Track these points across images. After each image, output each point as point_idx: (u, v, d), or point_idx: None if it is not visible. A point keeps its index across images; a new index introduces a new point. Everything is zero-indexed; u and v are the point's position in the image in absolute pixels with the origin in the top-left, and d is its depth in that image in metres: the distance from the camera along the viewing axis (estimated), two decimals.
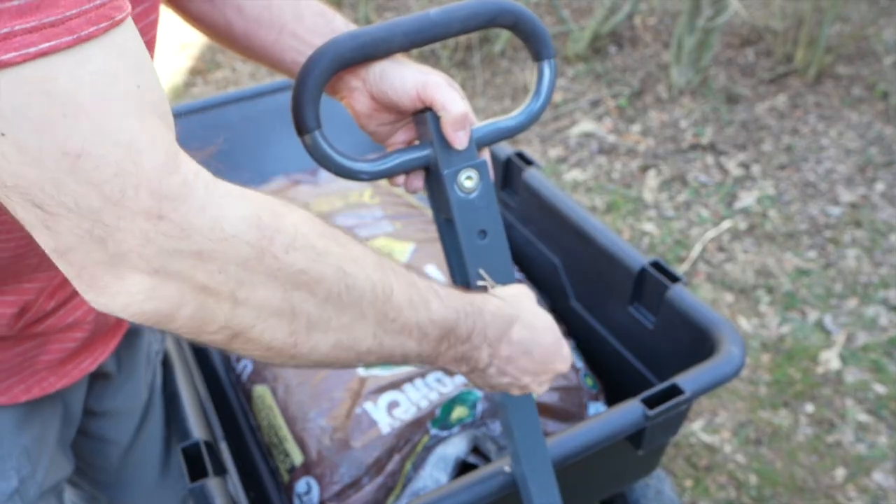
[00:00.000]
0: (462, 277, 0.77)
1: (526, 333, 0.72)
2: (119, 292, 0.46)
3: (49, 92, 0.41)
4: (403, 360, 0.63)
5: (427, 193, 0.77)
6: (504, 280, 0.76)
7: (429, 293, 0.62)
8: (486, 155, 0.77)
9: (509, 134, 0.77)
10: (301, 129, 0.69)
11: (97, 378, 0.99)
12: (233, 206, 0.47)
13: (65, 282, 0.80)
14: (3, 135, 0.41)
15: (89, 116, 0.42)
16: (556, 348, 0.75)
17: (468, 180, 0.72)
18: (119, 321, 0.95)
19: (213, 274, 0.47)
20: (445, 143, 0.71)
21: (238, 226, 0.47)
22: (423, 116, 0.72)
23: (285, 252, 0.50)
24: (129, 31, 0.45)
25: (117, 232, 0.44)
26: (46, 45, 0.41)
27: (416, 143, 0.76)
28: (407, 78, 0.71)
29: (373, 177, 0.72)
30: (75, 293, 0.82)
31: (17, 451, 0.84)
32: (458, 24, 0.71)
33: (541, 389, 0.76)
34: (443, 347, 0.64)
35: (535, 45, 0.75)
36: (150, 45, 0.70)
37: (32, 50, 0.40)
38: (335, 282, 0.53)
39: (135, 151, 0.43)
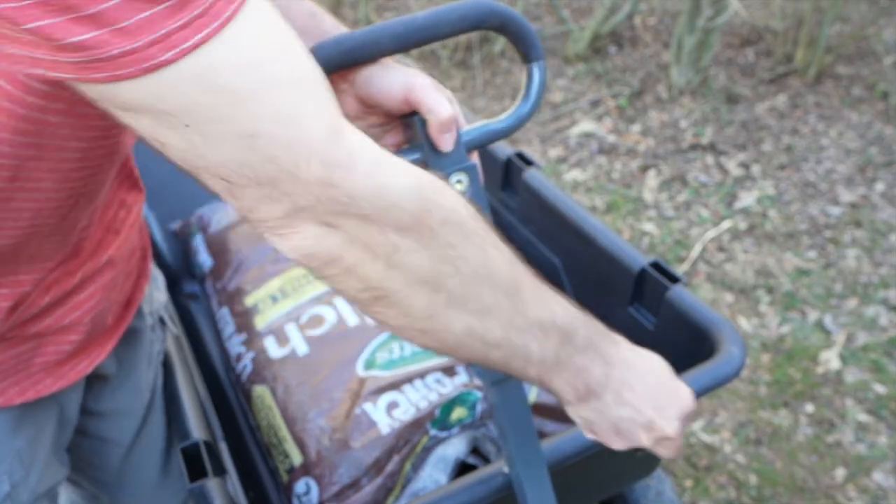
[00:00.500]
0: None
1: (634, 357, 0.70)
2: (293, 237, 0.52)
3: (214, 83, 0.45)
4: (525, 365, 0.63)
5: None
6: None
7: (549, 296, 0.63)
8: (475, 158, 0.76)
9: (499, 136, 0.77)
10: None
11: (96, 379, 0.99)
12: (397, 176, 0.51)
13: (60, 278, 0.80)
14: (187, 126, 0.46)
15: (256, 98, 0.46)
16: (670, 377, 0.72)
17: (458, 184, 0.72)
18: (116, 323, 0.95)
19: (374, 235, 0.52)
20: (434, 147, 0.71)
21: (401, 195, 0.51)
22: (412, 120, 0.71)
23: (441, 225, 0.53)
24: (261, 4, 0.48)
25: (293, 195, 0.49)
26: (198, 36, 0.43)
27: (406, 146, 0.76)
28: (394, 81, 0.71)
29: None
30: (72, 292, 0.82)
31: (10, 454, 0.83)
32: (446, 27, 0.70)
33: (671, 428, 0.70)
34: (563, 354, 0.64)
35: (523, 47, 0.74)
36: None
37: (188, 45, 0.43)
38: (480, 263, 0.56)
39: (302, 124, 0.47)
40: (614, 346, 0.68)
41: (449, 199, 0.55)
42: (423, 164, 0.72)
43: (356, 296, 0.55)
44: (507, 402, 0.79)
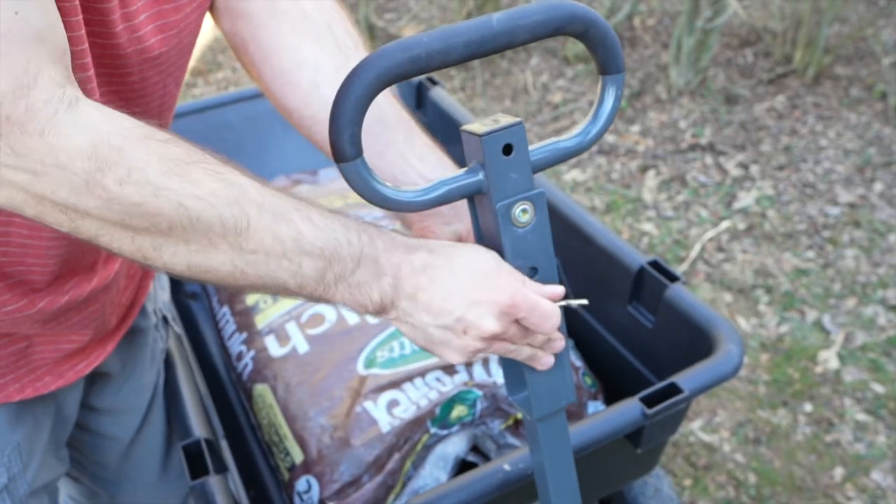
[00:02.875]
0: None
1: (437, 258, 0.64)
2: None
3: None
4: (286, 290, 0.63)
5: (471, 217, 0.71)
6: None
7: (303, 224, 0.61)
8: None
9: (569, 156, 0.70)
10: (339, 156, 0.62)
11: (99, 376, 0.99)
12: (71, 137, 0.52)
13: (74, 289, 0.80)
14: None
15: None
16: (492, 270, 0.64)
17: (523, 213, 0.65)
18: (118, 325, 0.95)
19: (48, 192, 0.52)
20: (500, 171, 0.64)
21: (71, 156, 0.52)
22: (471, 137, 0.65)
23: (119, 184, 0.53)
24: None
25: None
26: None
27: (466, 167, 0.69)
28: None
29: (417, 207, 0.65)
30: (83, 300, 0.82)
31: (8, 448, 0.84)
32: (524, 33, 0.63)
33: (487, 324, 0.64)
34: (329, 276, 0.62)
35: (603, 56, 0.67)
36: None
37: None
38: (176, 216, 0.56)
39: None
40: (405, 253, 0.64)
41: (136, 157, 0.54)
42: (485, 187, 0.66)
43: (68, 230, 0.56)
44: (549, 439, 0.75)
